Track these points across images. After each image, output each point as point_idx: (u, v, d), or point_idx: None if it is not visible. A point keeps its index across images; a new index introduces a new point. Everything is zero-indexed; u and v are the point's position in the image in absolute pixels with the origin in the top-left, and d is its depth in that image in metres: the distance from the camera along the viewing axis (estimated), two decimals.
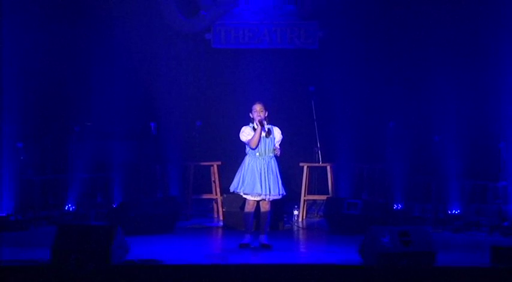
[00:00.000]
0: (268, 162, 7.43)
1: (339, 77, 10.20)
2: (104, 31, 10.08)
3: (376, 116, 10.13)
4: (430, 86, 9.78)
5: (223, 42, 10.95)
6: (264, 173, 7.39)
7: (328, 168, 9.79)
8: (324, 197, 9.65)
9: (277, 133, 7.51)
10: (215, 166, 9.84)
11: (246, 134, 7.44)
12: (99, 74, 9.87)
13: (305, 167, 9.75)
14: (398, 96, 9.95)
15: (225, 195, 9.04)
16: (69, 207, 9.25)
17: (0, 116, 8.99)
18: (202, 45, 10.93)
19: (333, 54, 10.43)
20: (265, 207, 7.50)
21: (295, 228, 9.25)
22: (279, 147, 7.50)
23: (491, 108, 9.48)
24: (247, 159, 7.50)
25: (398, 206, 9.38)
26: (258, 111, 7.42)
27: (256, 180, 7.37)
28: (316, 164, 9.88)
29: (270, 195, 7.42)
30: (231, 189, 7.61)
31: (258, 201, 7.49)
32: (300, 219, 9.60)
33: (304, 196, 9.73)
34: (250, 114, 7.46)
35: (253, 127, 7.43)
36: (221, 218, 9.48)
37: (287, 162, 9.46)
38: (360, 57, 10.22)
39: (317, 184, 9.91)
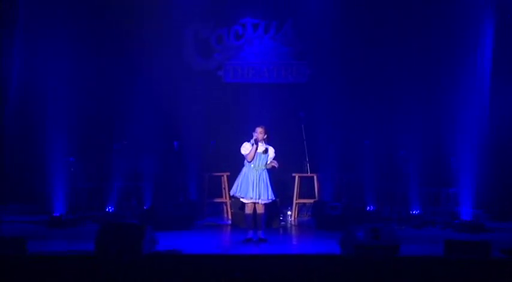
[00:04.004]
0: (260, 173, 7.46)
1: (323, 105, 10.17)
2: (137, 69, 10.09)
3: (353, 135, 10.09)
4: (396, 113, 9.77)
5: (232, 78, 10.97)
6: (256, 181, 7.42)
7: (315, 177, 9.80)
8: (311, 201, 9.67)
9: (271, 152, 7.57)
10: (225, 176, 9.84)
11: (246, 149, 7.51)
12: (133, 103, 9.87)
13: (296, 177, 9.76)
14: (371, 120, 9.95)
15: (232, 200, 9.05)
16: (109, 209, 9.28)
17: (55, 136, 9.07)
18: (215, 80, 10.94)
19: (319, 87, 10.45)
20: (259, 209, 7.52)
21: (289, 225, 9.26)
22: (275, 161, 7.55)
23: (444, 130, 9.49)
24: (244, 169, 7.54)
25: (370, 207, 9.37)
26: (258, 132, 7.50)
27: (249, 187, 7.41)
28: (305, 174, 9.87)
29: (260, 199, 7.44)
30: (231, 193, 7.69)
31: (254, 204, 7.53)
32: (292, 218, 9.60)
33: (296, 200, 9.73)
34: (253, 133, 7.54)
35: (252, 143, 7.50)
36: (230, 217, 9.49)
37: (282, 173, 9.44)
38: (340, 89, 10.18)
39: (306, 190, 9.85)
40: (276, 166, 7.55)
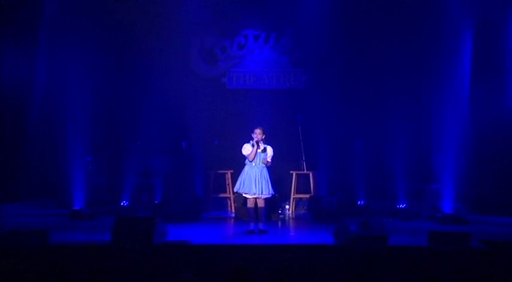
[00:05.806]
0: (261, 170, 7.49)
1: (319, 108, 10.16)
2: (149, 76, 10.13)
3: (346, 137, 10.06)
4: (385, 116, 9.75)
5: (235, 84, 10.94)
6: (258, 178, 7.44)
7: (311, 174, 9.80)
8: (307, 196, 9.67)
9: (269, 150, 7.58)
10: (229, 173, 9.84)
11: (247, 150, 7.53)
12: (145, 107, 9.87)
13: (294, 174, 9.76)
14: (362, 123, 9.93)
15: (236, 195, 9.06)
16: (124, 203, 9.26)
17: (75, 138, 9.09)
18: (219, 86, 10.91)
19: (314, 92, 10.44)
20: (261, 203, 7.54)
21: (287, 218, 9.26)
22: (269, 160, 7.54)
23: (427, 132, 9.52)
24: (246, 167, 7.55)
25: (361, 202, 9.37)
26: (257, 133, 7.52)
27: (252, 183, 7.43)
28: (302, 172, 9.87)
29: (262, 194, 7.46)
30: (235, 190, 7.69)
31: (256, 199, 7.55)
32: (290, 212, 9.62)
33: (293, 195, 9.73)
34: (252, 134, 7.56)
35: (252, 144, 7.52)
36: (233, 211, 9.52)
37: (281, 171, 9.48)
38: (334, 94, 10.14)
39: (303, 186, 9.83)
40: (269, 161, 7.55)
